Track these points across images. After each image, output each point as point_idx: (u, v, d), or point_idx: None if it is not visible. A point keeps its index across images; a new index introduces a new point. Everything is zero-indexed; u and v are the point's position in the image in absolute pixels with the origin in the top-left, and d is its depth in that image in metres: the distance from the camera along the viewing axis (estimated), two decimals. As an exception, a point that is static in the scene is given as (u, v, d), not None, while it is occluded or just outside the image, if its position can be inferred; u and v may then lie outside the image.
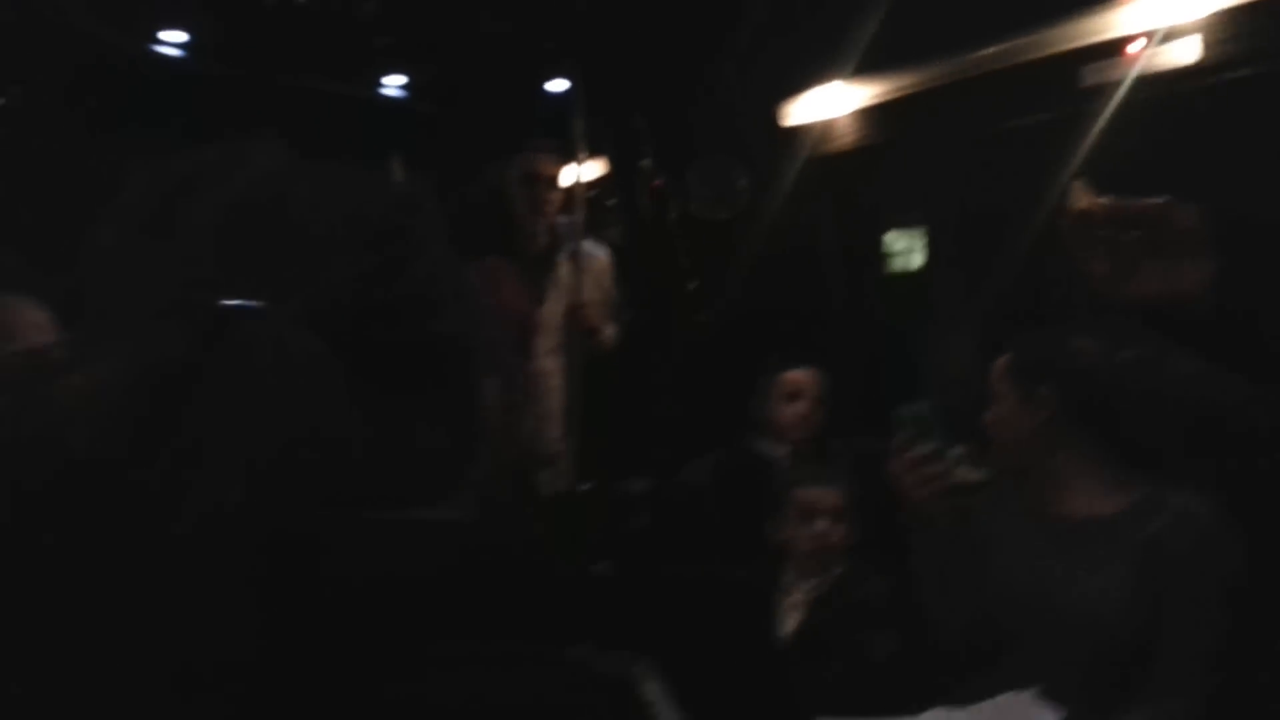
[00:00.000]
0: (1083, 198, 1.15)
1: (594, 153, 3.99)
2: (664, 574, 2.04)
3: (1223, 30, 2.98)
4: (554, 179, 3.51)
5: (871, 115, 4.00)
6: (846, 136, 4.11)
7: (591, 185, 4.03)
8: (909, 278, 4.38)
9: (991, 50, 3.43)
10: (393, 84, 4.57)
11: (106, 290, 0.61)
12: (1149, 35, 3.08)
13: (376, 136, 4.22)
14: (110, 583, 0.50)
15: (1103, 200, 1.14)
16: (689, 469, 3.25)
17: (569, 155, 3.64)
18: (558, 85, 4.29)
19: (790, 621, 2.38)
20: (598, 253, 3.66)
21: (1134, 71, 3.08)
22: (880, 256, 4.40)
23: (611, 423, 3.62)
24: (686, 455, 3.30)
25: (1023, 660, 1.95)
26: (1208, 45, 2.99)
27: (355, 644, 0.54)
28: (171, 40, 4.19)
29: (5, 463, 0.52)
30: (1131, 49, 3.11)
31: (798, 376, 3.13)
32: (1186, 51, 3.02)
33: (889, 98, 3.90)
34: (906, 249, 4.47)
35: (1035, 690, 1.73)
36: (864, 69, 3.88)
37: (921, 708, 1.84)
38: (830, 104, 4.07)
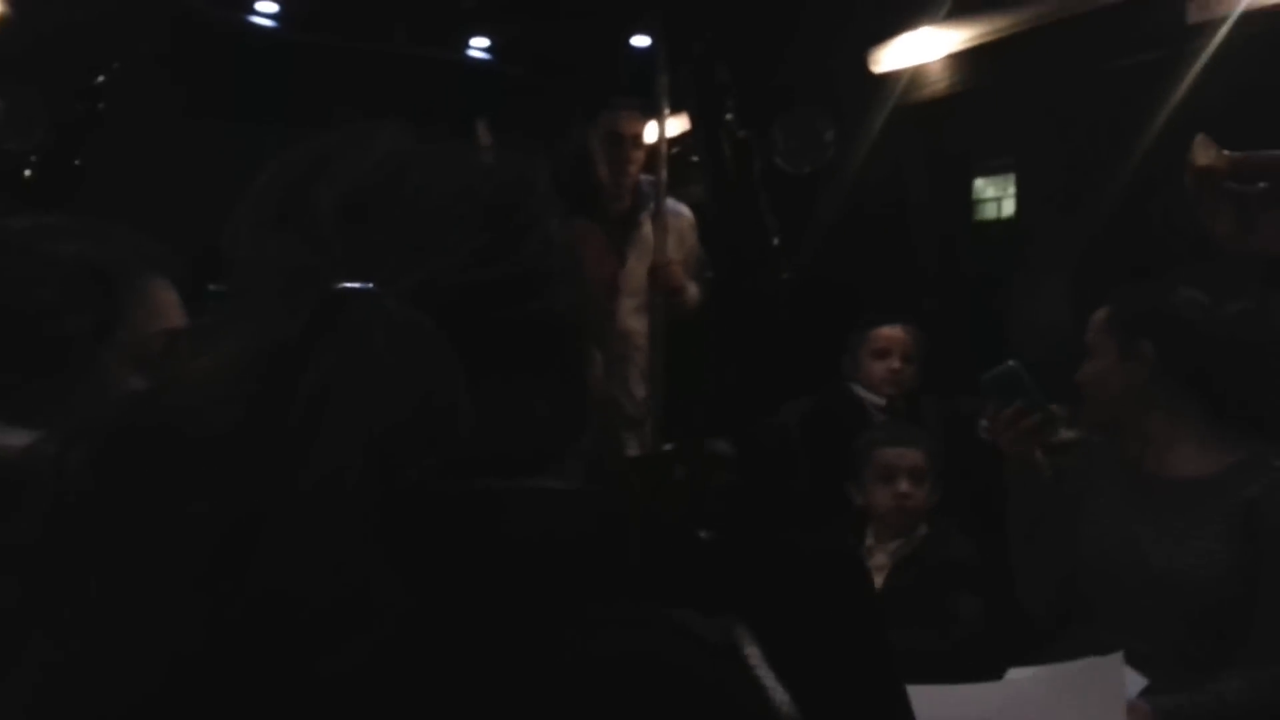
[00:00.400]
0: (1206, 152, 1.13)
1: (677, 109, 3.96)
2: (766, 540, 2.07)
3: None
4: (637, 137, 3.49)
5: (964, 60, 3.89)
6: (938, 82, 4.01)
7: (675, 142, 4.01)
8: (1000, 225, 4.29)
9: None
10: (479, 46, 4.60)
11: (241, 273, 0.66)
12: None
13: (464, 99, 4.26)
14: (239, 548, 0.54)
15: (1227, 153, 1.12)
16: (783, 410, 3.23)
17: (652, 112, 3.62)
18: (641, 41, 4.26)
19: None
20: (681, 211, 3.64)
21: (1239, 8, 2.93)
22: (970, 204, 4.32)
23: (696, 382, 3.63)
24: (771, 412, 3.29)
25: (1112, 623, 1.93)
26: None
27: (473, 606, 0.57)
28: (266, 10, 4.28)
29: (145, 441, 0.56)
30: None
31: (890, 332, 3.07)
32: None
33: (983, 41, 3.79)
34: (997, 195, 4.38)
35: (1121, 654, 1.72)
36: (957, 12, 3.77)
37: (1005, 671, 1.84)
38: (922, 49, 3.97)
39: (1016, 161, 4.14)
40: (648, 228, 3.52)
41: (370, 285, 0.58)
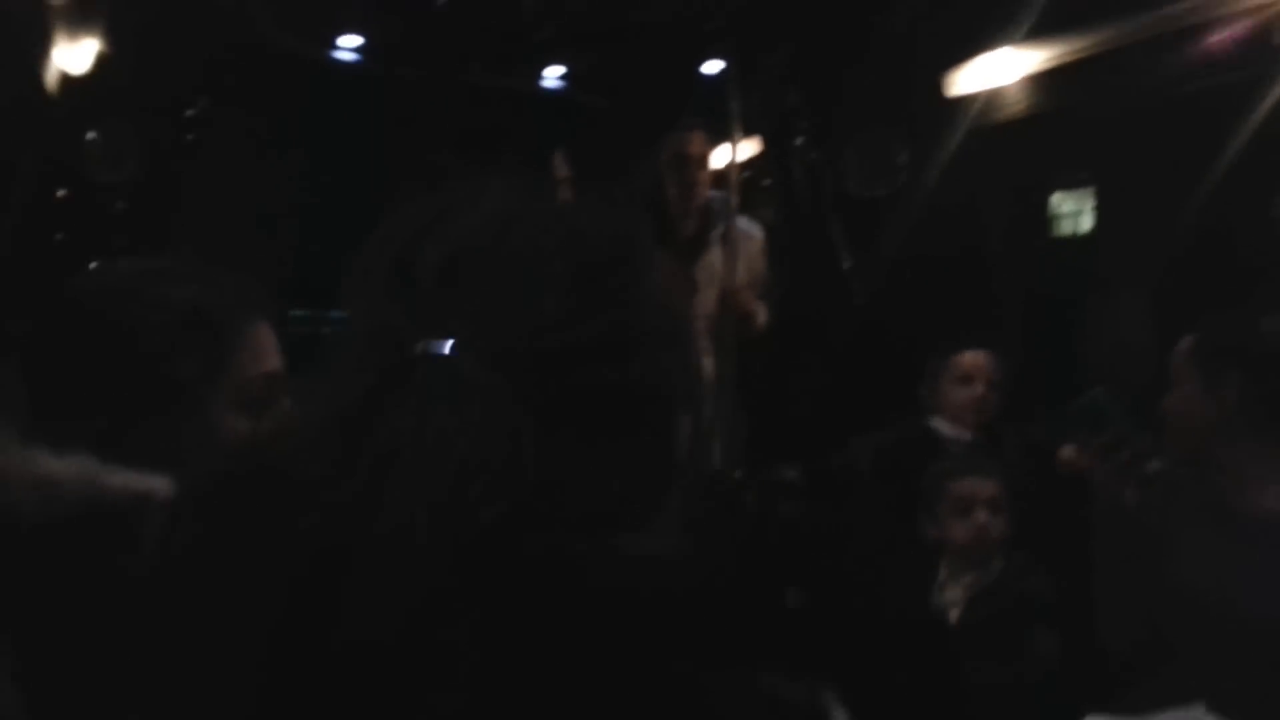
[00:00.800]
0: None
1: (749, 132, 3.96)
2: (853, 607, 2.06)
3: None
4: (703, 158, 3.46)
5: (1043, 81, 3.83)
6: (1016, 104, 3.96)
7: (746, 165, 4.01)
8: (1078, 241, 4.19)
9: (1177, 8, 3.22)
10: (553, 75, 4.66)
11: (350, 325, 0.68)
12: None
13: (540, 127, 4.32)
14: (321, 597, 0.57)
15: None
16: (852, 446, 3.14)
17: (723, 134, 3.61)
18: (713, 66, 4.28)
19: (948, 617, 2.35)
20: (753, 232, 3.59)
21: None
22: (1046, 221, 4.23)
23: (764, 407, 3.60)
24: (842, 440, 3.24)
25: (1195, 666, 1.88)
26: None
27: (553, 665, 0.58)
28: (348, 45, 4.40)
29: (245, 491, 0.60)
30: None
31: (973, 358, 2.94)
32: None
33: (1062, 62, 3.73)
34: (1075, 211, 4.28)
35: (1204, 704, 1.67)
36: (1036, 33, 3.72)
37: (1083, 712, 1.80)
38: (999, 71, 3.92)
39: (1095, 175, 4.06)
40: (716, 250, 3.49)
41: (450, 345, 0.60)
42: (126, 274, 1.15)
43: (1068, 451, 2.44)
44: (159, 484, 0.81)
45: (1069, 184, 4.20)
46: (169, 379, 1.07)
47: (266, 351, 1.14)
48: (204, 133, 4.29)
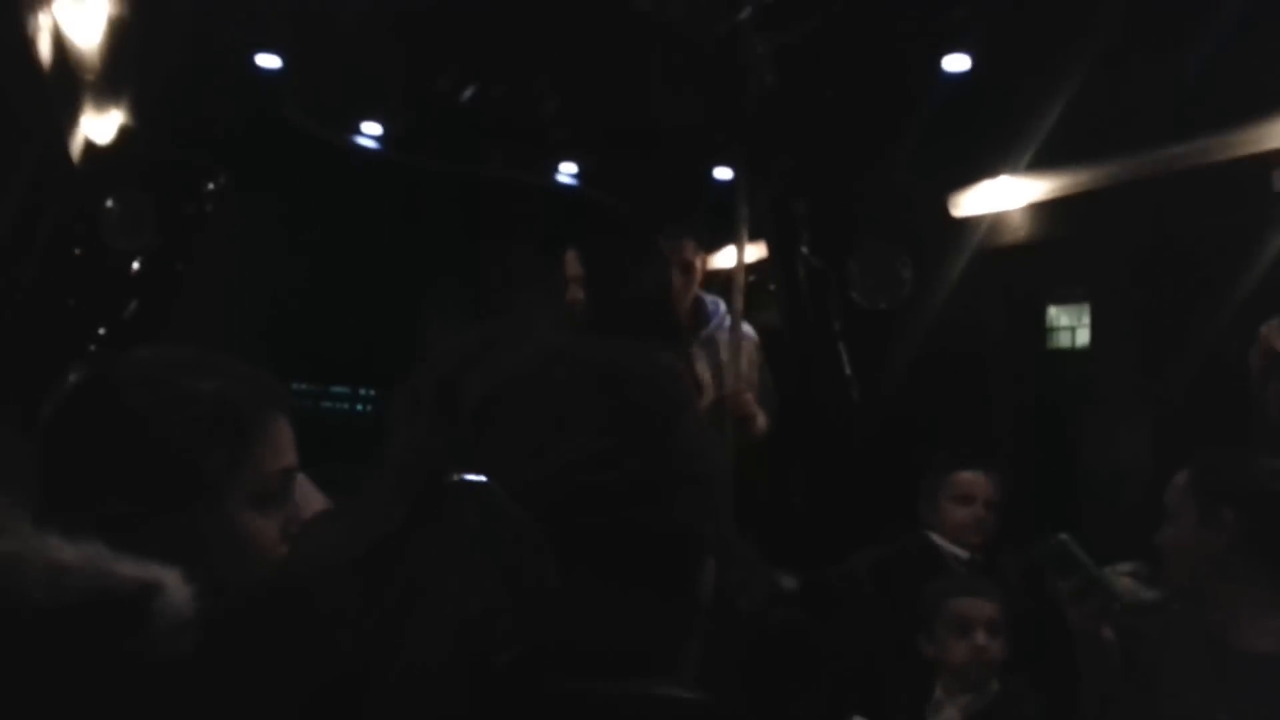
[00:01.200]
0: (1277, 337, 1.16)
1: (756, 237, 4.02)
2: None
3: None
4: (688, 265, 3.47)
5: (1043, 210, 3.94)
6: (1017, 229, 4.05)
7: (752, 269, 4.06)
8: (1074, 355, 4.23)
9: (1176, 150, 3.33)
10: (568, 172, 4.76)
11: (392, 453, 0.69)
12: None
13: (552, 222, 4.39)
14: (332, 715, 0.58)
15: None
16: (853, 558, 3.09)
17: (730, 238, 3.66)
18: (724, 172, 4.38)
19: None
20: (748, 333, 3.58)
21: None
22: (1044, 336, 4.27)
23: (761, 514, 3.57)
24: (839, 551, 3.22)
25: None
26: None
27: None
28: (370, 131, 4.50)
29: (272, 610, 0.62)
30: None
31: (973, 477, 2.91)
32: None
33: (1063, 194, 3.83)
34: (1071, 325, 4.33)
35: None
36: (1038, 163, 3.83)
37: None
38: (1001, 197, 4.03)
39: (1090, 291, 4.12)
40: (706, 353, 3.49)
41: (483, 480, 0.61)
42: (155, 363, 1.16)
43: None
44: (170, 576, 0.82)
45: (1065, 298, 4.26)
46: (193, 473, 1.08)
47: (284, 447, 1.15)
48: (221, 207, 4.35)
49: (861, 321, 4.19)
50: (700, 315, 3.52)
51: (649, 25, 3.50)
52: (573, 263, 3.17)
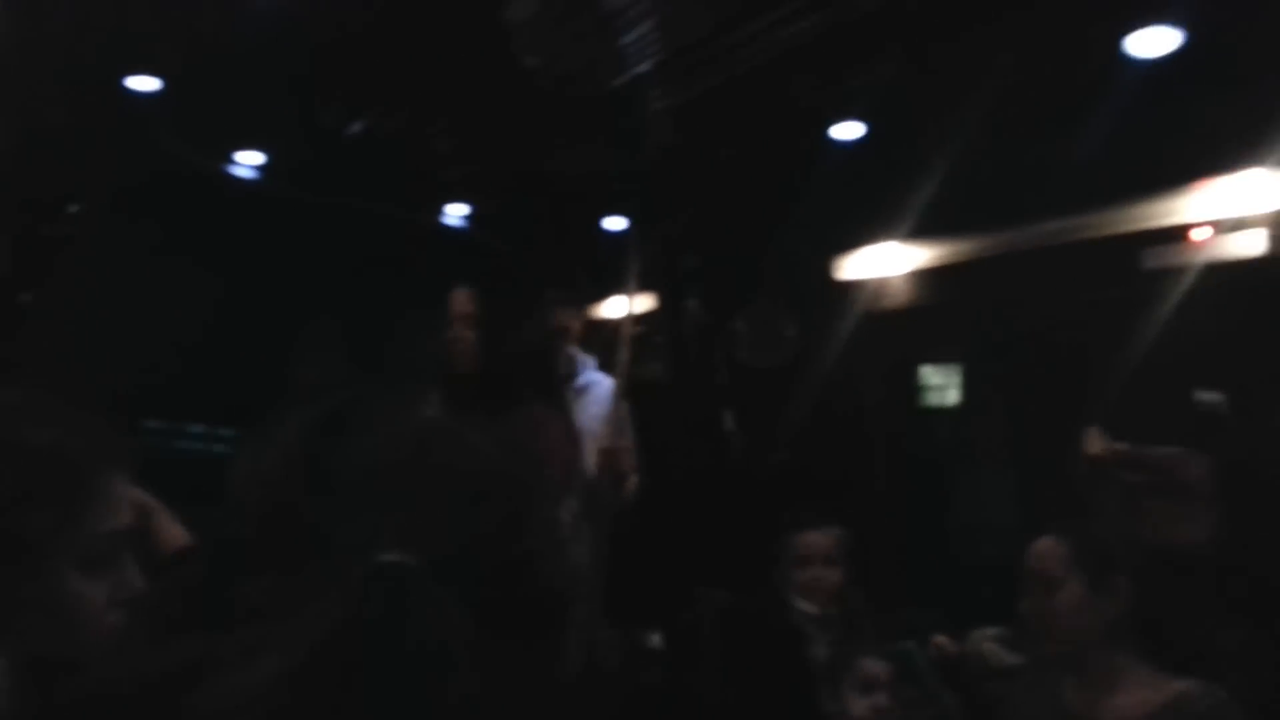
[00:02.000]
0: (1097, 441, 1.21)
1: (645, 288, 4.02)
2: None
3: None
4: (568, 330, 3.49)
5: (924, 277, 4.06)
6: (897, 295, 4.16)
7: (640, 320, 4.05)
8: (946, 413, 4.35)
9: (1052, 226, 3.48)
10: (457, 214, 4.69)
11: (264, 527, 0.66)
12: (1215, 225, 3.12)
13: (438, 263, 4.30)
14: None
15: (1116, 446, 1.19)
16: (700, 600, 3.07)
17: (618, 289, 3.66)
18: (617, 223, 4.38)
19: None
20: (605, 383, 3.50)
21: (1198, 258, 3.11)
22: (918, 394, 4.38)
23: (631, 572, 3.53)
24: (688, 604, 3.17)
25: None
26: (1275, 239, 3.02)
27: None
28: (248, 161, 4.34)
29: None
30: (1196, 236, 3.15)
31: (810, 539, 2.94)
32: (1253, 243, 3.05)
33: (943, 262, 3.96)
34: (942, 384, 4.46)
35: None
36: (922, 232, 3.95)
37: None
38: (884, 263, 4.14)
39: (963, 352, 4.26)
40: (577, 409, 3.44)
41: (408, 560, 0.59)
42: None
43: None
44: None
45: (937, 358, 4.39)
46: (18, 531, 0.99)
47: (118, 508, 1.06)
48: (84, 232, 4.12)
49: (746, 378, 4.22)
50: (570, 367, 3.51)
51: (542, 79, 3.49)
52: (462, 302, 3.10)
